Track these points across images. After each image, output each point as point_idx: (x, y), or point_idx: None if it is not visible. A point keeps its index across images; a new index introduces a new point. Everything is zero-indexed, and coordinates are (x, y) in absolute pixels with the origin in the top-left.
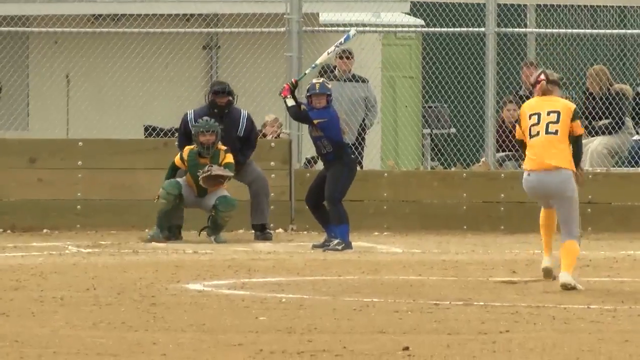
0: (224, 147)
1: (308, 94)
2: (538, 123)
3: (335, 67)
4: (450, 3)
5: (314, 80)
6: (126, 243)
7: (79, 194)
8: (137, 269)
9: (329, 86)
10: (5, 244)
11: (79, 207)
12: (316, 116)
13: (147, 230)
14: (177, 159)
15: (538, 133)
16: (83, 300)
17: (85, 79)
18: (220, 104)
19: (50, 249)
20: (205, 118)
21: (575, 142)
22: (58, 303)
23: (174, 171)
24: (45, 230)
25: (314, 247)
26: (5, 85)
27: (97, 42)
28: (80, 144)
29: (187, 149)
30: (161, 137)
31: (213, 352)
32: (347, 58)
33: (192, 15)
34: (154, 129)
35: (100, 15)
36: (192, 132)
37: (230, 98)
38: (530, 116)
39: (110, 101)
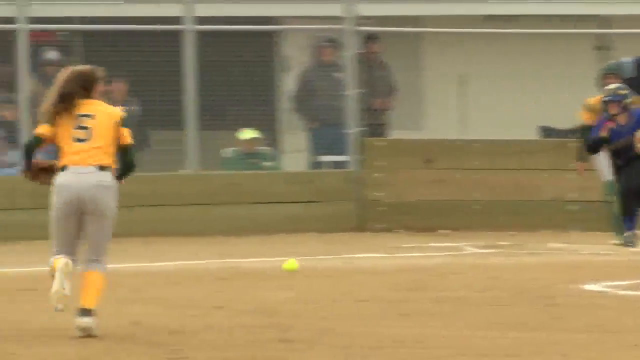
0: None
1: (605, 100)
2: None
3: None
4: None
5: (611, 86)
6: (525, 244)
7: (476, 195)
8: (534, 269)
9: (624, 92)
10: (402, 244)
11: (476, 207)
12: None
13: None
14: None
15: None
16: (482, 300)
17: (479, 79)
18: None
19: (447, 250)
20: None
21: None
22: (457, 303)
23: None
24: (440, 230)
25: None
26: (400, 85)
27: (491, 42)
28: (477, 144)
29: None
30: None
31: (614, 354)
32: None
33: (584, 15)
34: (550, 129)
35: (492, 16)
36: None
37: None
38: None
39: (504, 102)
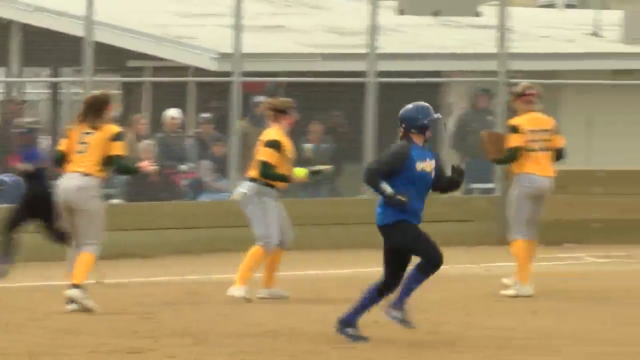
0: None
1: None
2: (536, 140)
3: None
4: None
5: None
6: (633, 256)
7: (596, 215)
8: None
9: None
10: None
11: (596, 225)
12: None
13: None
14: None
15: (535, 149)
16: (599, 300)
17: (604, 122)
18: None
19: (571, 259)
20: None
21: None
22: (580, 302)
23: None
24: (565, 244)
25: None
26: None
27: (615, 91)
28: (601, 174)
29: None
30: None
31: None
32: None
33: None
34: None
35: (618, 70)
36: None
37: None
38: (530, 131)
39: (625, 140)
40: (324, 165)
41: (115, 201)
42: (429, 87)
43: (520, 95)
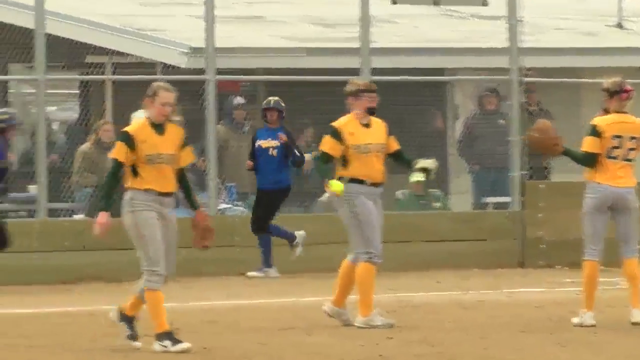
0: None
1: None
2: (619, 147)
3: None
4: None
5: None
6: None
7: None
8: None
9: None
10: (562, 279)
11: None
12: None
13: None
14: None
15: (617, 157)
16: (636, 331)
17: None
18: None
19: (604, 284)
20: None
21: None
22: (612, 334)
23: None
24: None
25: None
26: (561, 132)
27: None
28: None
29: None
30: None
31: None
32: None
33: None
34: None
35: None
36: None
37: None
38: (613, 137)
39: None
40: (428, 160)
41: (77, 217)
42: (431, 87)
43: (617, 92)
